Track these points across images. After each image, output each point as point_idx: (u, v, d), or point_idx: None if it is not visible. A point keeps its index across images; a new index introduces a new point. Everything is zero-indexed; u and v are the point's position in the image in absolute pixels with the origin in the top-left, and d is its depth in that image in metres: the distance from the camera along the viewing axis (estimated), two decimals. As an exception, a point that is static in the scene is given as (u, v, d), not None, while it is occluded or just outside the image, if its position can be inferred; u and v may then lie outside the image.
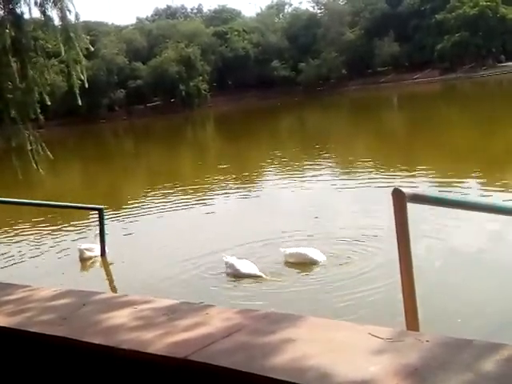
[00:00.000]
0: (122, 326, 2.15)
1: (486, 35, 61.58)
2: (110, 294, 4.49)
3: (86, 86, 7.06)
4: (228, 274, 7.67)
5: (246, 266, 7.59)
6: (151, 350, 1.91)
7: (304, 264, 7.67)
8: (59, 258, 9.82)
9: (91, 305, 2.45)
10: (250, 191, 15.10)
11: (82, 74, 6.96)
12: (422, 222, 8.20)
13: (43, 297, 2.67)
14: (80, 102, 7.28)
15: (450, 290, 6.33)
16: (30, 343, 2.30)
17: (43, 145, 7.24)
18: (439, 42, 63.54)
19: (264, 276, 7.41)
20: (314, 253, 7.70)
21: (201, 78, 71.43)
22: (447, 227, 8.45)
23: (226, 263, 7.75)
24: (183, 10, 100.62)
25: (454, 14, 63.81)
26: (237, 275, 7.54)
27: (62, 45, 6.61)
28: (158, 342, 1.95)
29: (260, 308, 3.18)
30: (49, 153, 7.29)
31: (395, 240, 3.98)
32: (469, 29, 61.89)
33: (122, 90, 70.82)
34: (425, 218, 8.30)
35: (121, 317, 2.24)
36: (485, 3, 62.02)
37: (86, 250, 9.47)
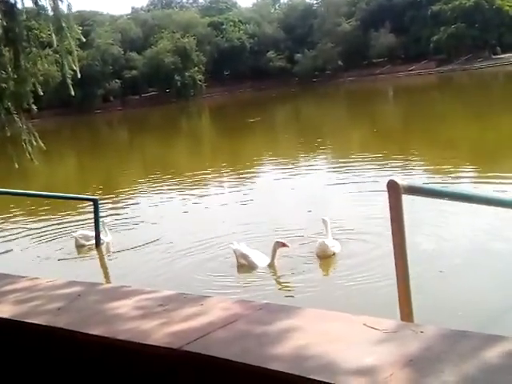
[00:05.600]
0: (119, 317, 2.15)
1: (482, 27, 61.54)
2: (107, 285, 4.49)
3: (79, 76, 7.01)
4: (241, 265, 7.59)
5: (258, 257, 7.53)
6: (148, 340, 1.91)
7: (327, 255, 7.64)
8: (54, 247, 9.80)
9: (88, 296, 2.45)
10: (244, 183, 15.10)
11: (75, 64, 6.90)
12: (420, 214, 8.23)
13: (40, 288, 2.67)
14: (73, 93, 7.20)
15: (451, 283, 6.34)
16: (27, 334, 2.30)
17: (36, 135, 7.20)
18: (435, 34, 63.42)
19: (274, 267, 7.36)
20: (336, 244, 7.68)
21: (196, 68, 71.14)
22: (446, 219, 8.45)
23: (236, 251, 7.65)
24: (179, 0, 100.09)
25: (450, 5, 63.68)
26: (250, 266, 7.47)
27: (54, 35, 6.56)
28: (155, 332, 1.95)
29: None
30: (41, 143, 7.25)
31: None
32: (465, 20, 61.81)
33: (117, 81, 70.48)
34: (422, 209, 8.32)
35: (117, 308, 2.24)
36: (481, -5, 61.93)
37: (81, 237, 9.49)
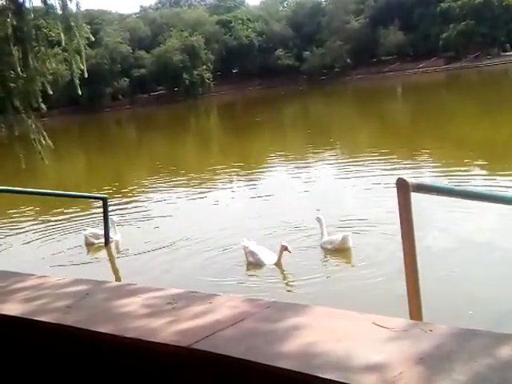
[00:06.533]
0: (127, 315, 2.15)
1: (491, 24, 61.11)
2: (115, 283, 4.50)
3: (86, 75, 7.03)
4: (249, 263, 7.61)
5: (266, 255, 7.54)
6: (156, 338, 1.91)
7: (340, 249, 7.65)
8: (63, 245, 9.85)
9: (96, 294, 2.46)
10: (253, 181, 15.10)
11: (82, 63, 6.92)
12: (430, 212, 8.18)
13: (48, 285, 2.68)
14: (80, 92, 7.23)
15: (462, 282, 6.30)
16: (36, 332, 2.31)
17: (44, 134, 7.22)
18: (444, 31, 63.09)
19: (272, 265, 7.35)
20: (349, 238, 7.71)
21: (204, 66, 71.20)
22: (457, 217, 8.39)
23: (246, 248, 7.67)
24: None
25: (459, 2, 63.29)
26: (257, 263, 7.49)
27: (62, 34, 6.58)
28: (163, 330, 1.95)
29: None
30: (50, 142, 7.27)
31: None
32: (474, 17, 61.40)
33: (126, 79, 70.68)
34: (432, 208, 8.27)
35: (126, 306, 2.25)
36: (490, -9, 61.45)
37: (90, 235, 9.54)
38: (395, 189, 3.98)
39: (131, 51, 72.37)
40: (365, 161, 15.18)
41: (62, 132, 40.54)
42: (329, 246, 7.76)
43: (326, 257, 7.73)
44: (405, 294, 4.03)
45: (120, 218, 10.56)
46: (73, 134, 46.51)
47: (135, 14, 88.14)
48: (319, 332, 1.78)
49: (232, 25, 76.94)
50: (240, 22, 77.74)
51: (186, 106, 59.12)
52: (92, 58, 55.03)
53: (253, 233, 8.80)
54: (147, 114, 57.05)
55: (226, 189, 14.31)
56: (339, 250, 7.65)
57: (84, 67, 6.88)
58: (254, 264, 7.53)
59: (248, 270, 7.57)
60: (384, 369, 1.52)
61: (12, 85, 6.88)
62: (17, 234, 11.18)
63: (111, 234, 9.47)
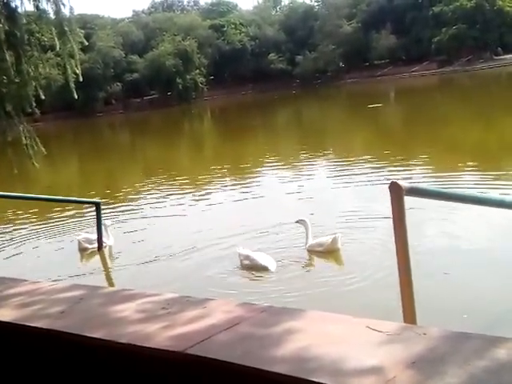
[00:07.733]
0: (121, 320, 2.15)
1: (483, 28, 61.54)
2: (109, 288, 4.49)
3: (81, 79, 7.04)
4: (243, 266, 7.61)
5: (262, 258, 7.54)
6: (150, 343, 1.91)
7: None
8: (56, 250, 9.82)
9: (90, 299, 2.45)
10: (248, 186, 15.10)
11: (77, 67, 6.93)
12: (424, 215, 8.21)
13: (42, 291, 2.67)
14: (76, 96, 7.24)
15: (456, 285, 6.31)
16: (29, 337, 2.30)
17: (36, 139, 7.21)
18: (436, 35, 63.45)
19: (273, 270, 7.35)
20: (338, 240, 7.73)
21: (197, 71, 71.28)
22: (451, 220, 8.41)
23: (240, 255, 7.68)
24: (180, 3, 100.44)
25: (451, 6, 63.70)
26: (253, 267, 7.48)
27: (56, 38, 6.59)
28: (158, 335, 1.95)
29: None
30: (42, 147, 7.25)
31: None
32: (466, 21, 61.82)
33: (119, 84, 70.64)
34: (426, 211, 8.30)
35: (120, 311, 2.24)
36: (482, -5, 61.91)
37: (84, 240, 9.50)
38: (388, 192, 4.00)
39: (124, 55, 72.34)
40: (358, 164, 15.22)
41: (56, 136, 40.44)
42: (318, 249, 7.76)
43: (316, 259, 7.74)
44: (399, 297, 4.05)
45: (113, 223, 10.53)
46: (67, 138, 46.38)
47: (128, 18, 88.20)
48: (313, 336, 1.78)
49: (225, 29, 77.08)
50: (233, 26, 77.88)
51: (179, 111, 59.11)
52: (85, 63, 54.93)
53: (247, 237, 8.80)
54: (140, 118, 56.98)
55: (220, 193, 14.30)
56: (329, 252, 7.66)
57: (79, 71, 6.89)
58: (250, 267, 7.53)
59: (243, 274, 7.57)
60: (378, 373, 1.52)
61: (5, 90, 6.86)
62: (9, 238, 11.12)
63: (104, 239, 9.45)
